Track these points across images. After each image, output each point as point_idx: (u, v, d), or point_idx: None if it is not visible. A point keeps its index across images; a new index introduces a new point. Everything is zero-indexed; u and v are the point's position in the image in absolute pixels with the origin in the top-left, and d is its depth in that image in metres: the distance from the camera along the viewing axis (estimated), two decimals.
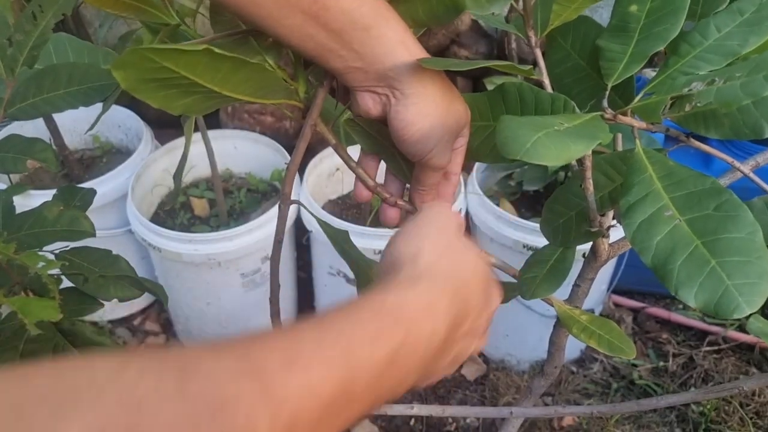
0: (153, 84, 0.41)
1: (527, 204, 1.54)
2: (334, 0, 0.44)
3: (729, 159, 0.49)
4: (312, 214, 0.67)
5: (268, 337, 0.30)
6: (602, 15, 1.68)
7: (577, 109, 0.47)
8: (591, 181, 0.51)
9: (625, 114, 0.47)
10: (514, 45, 1.68)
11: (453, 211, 0.48)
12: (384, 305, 0.35)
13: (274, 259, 0.61)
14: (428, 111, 0.47)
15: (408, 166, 0.54)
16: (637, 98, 0.47)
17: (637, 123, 0.47)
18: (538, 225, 1.30)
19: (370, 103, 0.49)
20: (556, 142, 0.37)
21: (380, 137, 0.54)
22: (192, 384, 0.25)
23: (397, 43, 0.46)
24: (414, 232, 0.43)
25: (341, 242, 0.62)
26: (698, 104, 0.42)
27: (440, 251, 0.41)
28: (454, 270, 0.41)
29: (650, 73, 1.19)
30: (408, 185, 0.56)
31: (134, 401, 0.23)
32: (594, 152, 0.51)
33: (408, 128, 0.48)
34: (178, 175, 0.78)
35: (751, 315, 0.41)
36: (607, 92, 0.49)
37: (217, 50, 0.40)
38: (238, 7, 0.44)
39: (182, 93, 0.43)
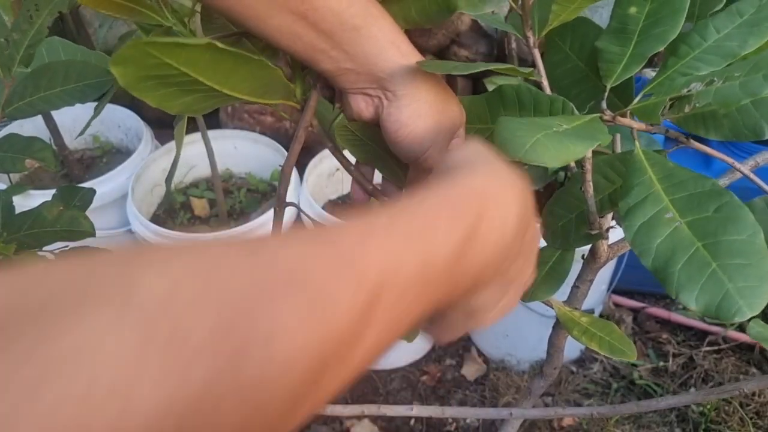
0: (152, 82, 0.40)
1: None
2: (323, 0, 0.43)
3: (729, 160, 0.48)
4: (309, 217, 0.67)
5: (333, 224, 0.27)
6: (602, 15, 1.68)
7: (576, 111, 0.47)
8: (591, 184, 0.51)
9: (624, 115, 0.47)
10: (514, 45, 1.68)
11: None
12: (452, 191, 0.32)
13: None
14: (422, 112, 0.47)
15: (403, 171, 0.54)
16: (636, 99, 0.47)
17: (636, 124, 0.47)
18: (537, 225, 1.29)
19: (362, 106, 0.48)
20: (555, 143, 0.37)
21: (373, 143, 0.53)
22: (261, 257, 0.23)
23: (388, 44, 0.45)
24: (467, 146, 0.39)
25: None
26: (697, 104, 0.42)
27: (499, 165, 0.38)
28: (516, 176, 0.37)
29: (650, 73, 1.19)
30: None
31: (203, 270, 0.21)
32: (594, 154, 0.51)
33: (401, 130, 0.47)
34: (169, 179, 0.79)
35: (751, 318, 0.40)
36: (606, 94, 0.49)
37: (219, 44, 0.40)
38: (225, 8, 0.44)
39: (181, 91, 0.42)
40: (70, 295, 0.19)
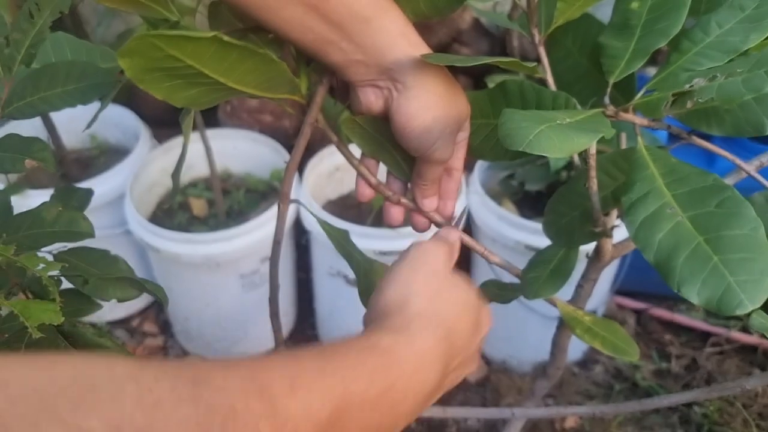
0: (158, 74, 0.41)
1: (529, 204, 1.54)
2: None
3: (733, 157, 0.48)
4: (312, 213, 0.67)
5: (272, 360, 0.32)
6: (606, 12, 1.68)
7: (579, 107, 0.47)
8: (595, 180, 0.51)
9: (626, 111, 0.47)
10: (516, 43, 1.68)
11: (441, 244, 0.47)
12: (378, 348, 0.37)
13: (274, 260, 0.60)
14: (431, 104, 0.47)
15: (408, 165, 0.54)
16: (639, 95, 0.47)
17: (639, 120, 0.47)
18: (540, 225, 1.29)
19: (371, 98, 0.48)
20: (559, 135, 0.37)
21: (380, 135, 0.53)
22: (204, 393, 0.26)
23: (398, 36, 0.46)
24: (401, 279, 0.44)
25: (342, 242, 0.62)
26: (699, 100, 0.42)
27: (428, 297, 0.42)
28: (443, 316, 0.42)
29: (652, 71, 1.19)
30: (409, 184, 0.55)
31: (150, 402, 0.24)
32: (597, 151, 0.51)
33: (411, 122, 0.47)
34: (176, 175, 0.78)
35: (752, 311, 0.41)
36: (609, 89, 0.49)
37: (225, 38, 0.40)
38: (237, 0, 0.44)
39: (187, 84, 0.43)
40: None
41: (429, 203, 0.54)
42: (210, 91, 0.45)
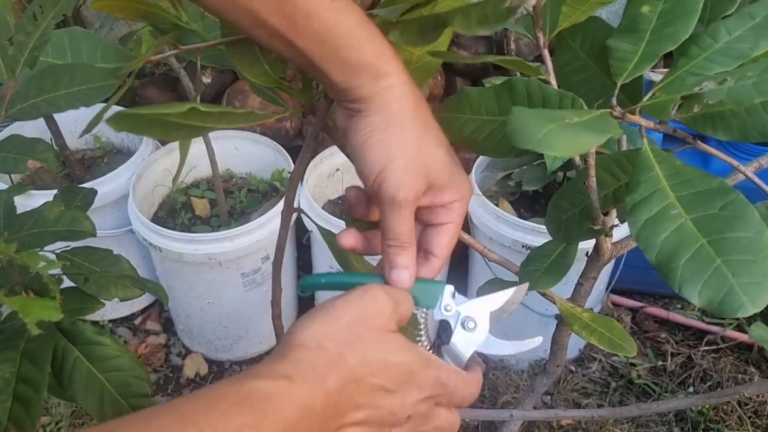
0: (148, 124, 0.43)
1: (526, 204, 1.54)
2: (315, 11, 0.44)
3: (730, 160, 0.49)
4: (312, 220, 0.67)
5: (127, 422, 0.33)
6: (600, 15, 1.68)
7: (585, 107, 0.47)
8: (594, 179, 0.52)
9: (633, 112, 0.47)
10: (513, 46, 1.69)
11: (394, 293, 0.44)
12: (241, 393, 0.37)
13: (276, 263, 0.61)
14: (381, 128, 0.45)
15: None
16: (647, 97, 0.47)
17: (645, 122, 0.47)
18: (536, 225, 1.30)
19: (341, 119, 0.48)
20: (568, 134, 0.37)
21: None
22: None
23: (365, 65, 0.45)
24: (325, 315, 0.42)
25: (338, 247, 0.62)
26: (709, 102, 0.42)
27: (343, 341, 0.40)
28: (349, 364, 0.40)
29: (653, 75, 1.19)
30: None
31: None
32: (597, 151, 0.52)
33: (355, 146, 0.46)
34: (175, 179, 0.79)
35: (753, 318, 0.41)
36: (616, 91, 0.49)
37: (202, 108, 0.42)
38: (219, 14, 0.46)
39: (179, 126, 0.45)
40: None
41: (397, 275, 0.47)
42: (201, 129, 0.47)
